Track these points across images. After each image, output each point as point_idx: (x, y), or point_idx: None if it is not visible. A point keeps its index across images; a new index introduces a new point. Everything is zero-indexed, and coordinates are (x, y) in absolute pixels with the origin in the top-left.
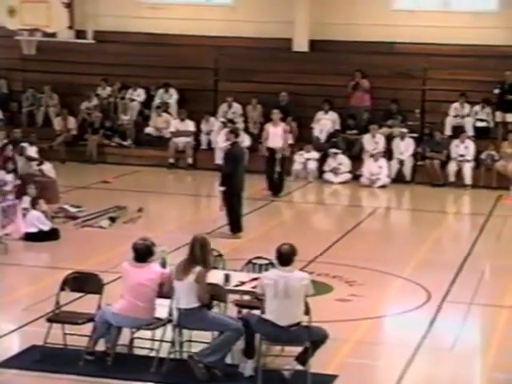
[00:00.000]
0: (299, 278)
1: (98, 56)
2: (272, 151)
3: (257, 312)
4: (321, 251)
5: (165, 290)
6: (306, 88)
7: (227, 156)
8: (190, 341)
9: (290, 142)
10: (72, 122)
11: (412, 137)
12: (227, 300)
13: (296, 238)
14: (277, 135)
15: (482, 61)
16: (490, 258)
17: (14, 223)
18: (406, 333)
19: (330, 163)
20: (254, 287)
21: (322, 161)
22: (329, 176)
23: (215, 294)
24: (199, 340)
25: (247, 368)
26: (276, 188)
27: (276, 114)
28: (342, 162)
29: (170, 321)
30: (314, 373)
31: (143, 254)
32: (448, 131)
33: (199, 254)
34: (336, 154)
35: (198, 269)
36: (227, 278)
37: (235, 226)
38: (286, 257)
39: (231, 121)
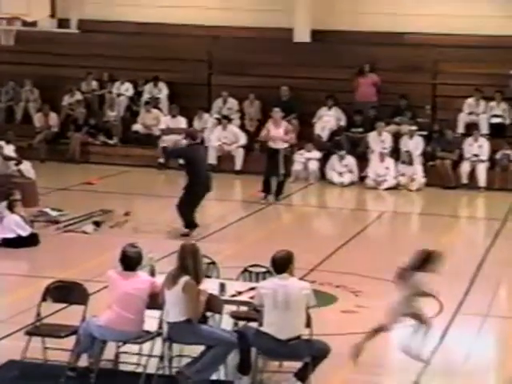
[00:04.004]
0: (300, 288)
1: (82, 47)
2: (274, 151)
3: (254, 324)
4: (323, 258)
5: (159, 302)
6: (308, 82)
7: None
8: (181, 356)
9: (292, 141)
10: (53, 119)
11: (421, 135)
12: (223, 311)
13: (296, 244)
14: (279, 136)
15: (498, 52)
16: (507, 266)
17: None
18: (415, 346)
19: (335, 165)
20: (251, 297)
21: (324, 161)
22: (332, 175)
23: (210, 305)
24: (190, 355)
25: None
26: (276, 190)
27: (277, 112)
28: (349, 163)
29: (159, 334)
30: None
31: (134, 263)
32: (460, 129)
33: (190, 265)
34: (342, 156)
35: (185, 278)
36: (222, 287)
37: (189, 222)
38: (279, 263)
39: (226, 117)
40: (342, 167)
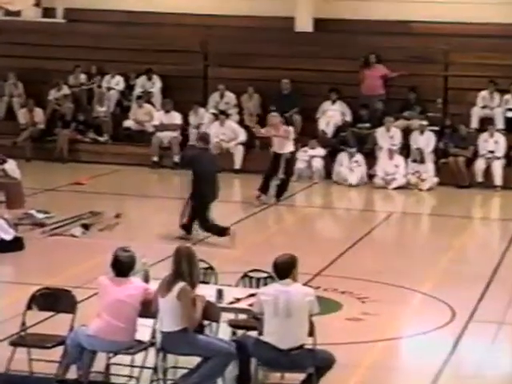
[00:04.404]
0: (303, 294)
1: (69, 38)
2: (277, 155)
3: (254, 333)
4: (328, 263)
5: (153, 310)
6: (310, 74)
7: (183, 158)
8: (176, 367)
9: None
10: (39, 115)
11: (433, 130)
12: (220, 320)
13: (299, 247)
14: (280, 140)
15: None
16: None
17: None
18: (425, 357)
19: (344, 163)
20: (250, 305)
21: (330, 159)
22: (341, 174)
23: (207, 313)
24: (186, 366)
25: None
26: (277, 191)
27: (275, 117)
28: (359, 161)
29: (152, 344)
30: None
31: (126, 268)
32: (474, 124)
33: (185, 270)
34: (352, 154)
35: (180, 284)
36: (220, 293)
37: (218, 230)
38: (281, 268)
39: (224, 112)
40: (352, 165)
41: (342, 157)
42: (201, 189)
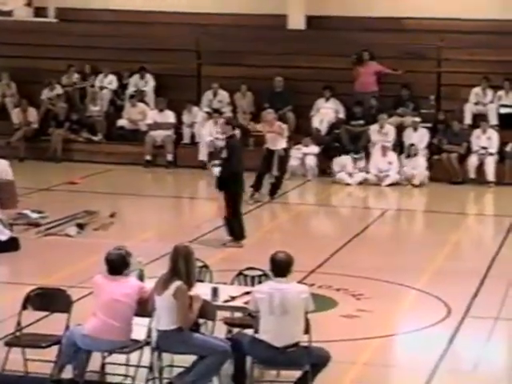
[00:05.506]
0: (298, 292)
1: (62, 37)
2: (270, 152)
3: (250, 331)
4: (322, 260)
5: (149, 309)
6: (303, 72)
7: (231, 150)
8: (171, 366)
9: (284, 143)
10: (33, 114)
11: (426, 127)
12: (216, 318)
13: (293, 244)
14: (274, 137)
15: (506, 38)
16: None
17: None
18: (421, 353)
19: (347, 166)
20: (246, 302)
21: (323, 156)
22: (342, 175)
23: (202, 312)
24: (181, 365)
25: None
26: (271, 189)
27: (270, 113)
28: (361, 167)
29: (148, 343)
30: None
31: (118, 265)
32: (467, 120)
33: (182, 268)
34: (357, 159)
35: (177, 283)
36: (215, 292)
37: (240, 232)
38: (280, 266)
39: (217, 110)
40: (354, 170)
41: (346, 161)
42: (241, 174)
